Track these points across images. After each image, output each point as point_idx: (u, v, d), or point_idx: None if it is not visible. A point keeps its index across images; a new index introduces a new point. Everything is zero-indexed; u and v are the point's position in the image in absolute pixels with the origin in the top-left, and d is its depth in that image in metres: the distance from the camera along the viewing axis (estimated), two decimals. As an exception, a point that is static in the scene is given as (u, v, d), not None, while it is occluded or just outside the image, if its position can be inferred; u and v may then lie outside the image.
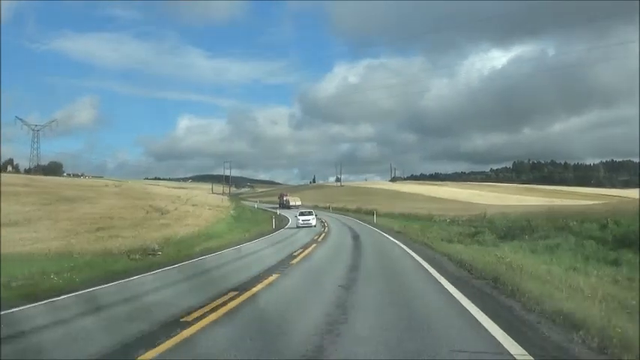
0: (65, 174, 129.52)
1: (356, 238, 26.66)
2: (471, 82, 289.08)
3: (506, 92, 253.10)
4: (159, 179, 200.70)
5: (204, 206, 52.38)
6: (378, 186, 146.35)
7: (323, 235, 29.51)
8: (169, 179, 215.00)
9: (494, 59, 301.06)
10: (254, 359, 5.18)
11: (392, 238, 24.55)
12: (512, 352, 5.09)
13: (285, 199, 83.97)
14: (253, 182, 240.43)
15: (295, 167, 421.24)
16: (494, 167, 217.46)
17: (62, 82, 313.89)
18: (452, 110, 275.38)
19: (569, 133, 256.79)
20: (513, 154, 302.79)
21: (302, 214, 45.03)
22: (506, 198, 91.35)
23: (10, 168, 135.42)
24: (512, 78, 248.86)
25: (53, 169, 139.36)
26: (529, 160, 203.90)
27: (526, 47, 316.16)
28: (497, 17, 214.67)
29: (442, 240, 21.41)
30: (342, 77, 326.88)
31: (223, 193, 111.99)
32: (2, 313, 8.00)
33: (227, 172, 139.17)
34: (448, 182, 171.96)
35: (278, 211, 66.54)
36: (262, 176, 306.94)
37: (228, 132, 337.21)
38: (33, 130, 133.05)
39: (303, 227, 39.94)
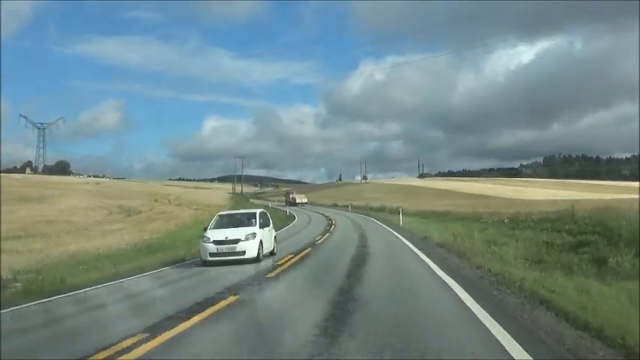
0: (84, 175, 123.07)
1: (360, 266, 13.01)
2: (498, 78, 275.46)
3: (534, 87, 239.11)
4: (182, 180, 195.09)
5: (191, 206, 43.43)
6: (405, 183, 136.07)
7: (306, 251, 17.11)
8: (194, 180, 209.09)
9: (521, 54, 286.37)
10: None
11: (437, 270, 11.12)
12: None
13: (291, 196, 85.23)
14: (279, 182, 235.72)
15: (322, 166, 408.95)
16: (524, 163, 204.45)
17: (87, 85, 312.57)
18: (479, 106, 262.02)
19: (598, 127, 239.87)
20: (541, 150, 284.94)
21: (219, 225, 15.99)
22: (545, 193, 79.61)
23: (28, 170, 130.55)
24: (540, 73, 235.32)
25: (60, 168, 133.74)
26: (560, 154, 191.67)
27: (553, 41, 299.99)
28: (524, 11, 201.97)
29: (534, 264, 10.95)
30: (368, 75, 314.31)
31: (234, 192, 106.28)
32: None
33: (240, 171, 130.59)
34: (479, 178, 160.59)
35: (287, 210, 59.36)
36: (290, 176, 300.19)
37: (255, 132, 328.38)
38: (38, 128, 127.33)
39: (225, 260, 14.08)
